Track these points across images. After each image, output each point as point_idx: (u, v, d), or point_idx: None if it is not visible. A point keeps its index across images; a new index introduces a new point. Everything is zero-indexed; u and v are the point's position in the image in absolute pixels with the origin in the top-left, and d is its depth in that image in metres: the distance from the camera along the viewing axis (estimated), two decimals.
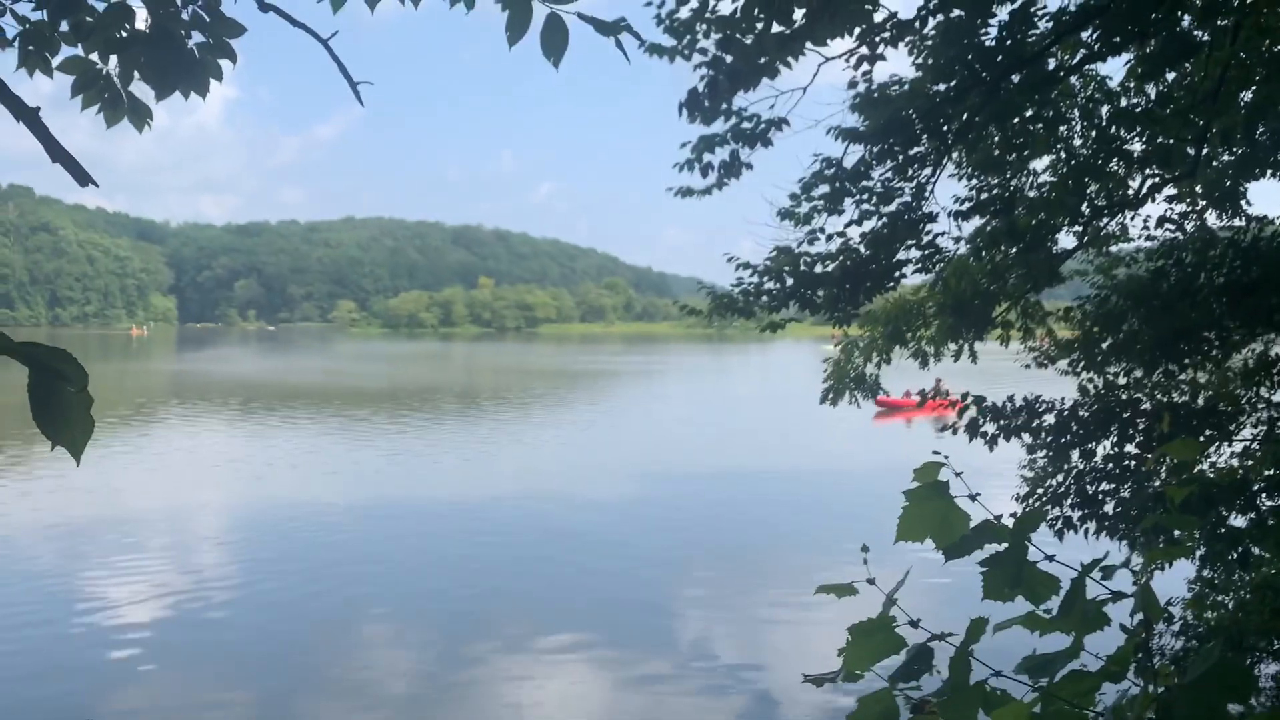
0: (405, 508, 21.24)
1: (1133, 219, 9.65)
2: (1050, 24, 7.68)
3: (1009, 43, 7.49)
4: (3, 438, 29.42)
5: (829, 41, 6.36)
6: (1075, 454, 8.57)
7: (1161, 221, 9.55)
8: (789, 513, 21.20)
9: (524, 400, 51.02)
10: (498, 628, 13.07)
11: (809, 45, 6.16)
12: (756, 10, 5.82)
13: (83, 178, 2.23)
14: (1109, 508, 8.23)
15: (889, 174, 8.37)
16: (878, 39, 7.60)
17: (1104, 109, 8.92)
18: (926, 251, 8.71)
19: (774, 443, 33.56)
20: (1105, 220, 9.50)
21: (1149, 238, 9.77)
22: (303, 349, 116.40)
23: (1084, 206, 9.01)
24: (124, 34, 3.22)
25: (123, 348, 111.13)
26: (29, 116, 2.12)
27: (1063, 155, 9.08)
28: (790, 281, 8.42)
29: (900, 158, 8.26)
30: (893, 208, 8.44)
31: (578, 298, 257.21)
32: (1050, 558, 2.01)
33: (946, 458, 2.04)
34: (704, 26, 7.26)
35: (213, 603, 14.10)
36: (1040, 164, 9.23)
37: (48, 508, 20.44)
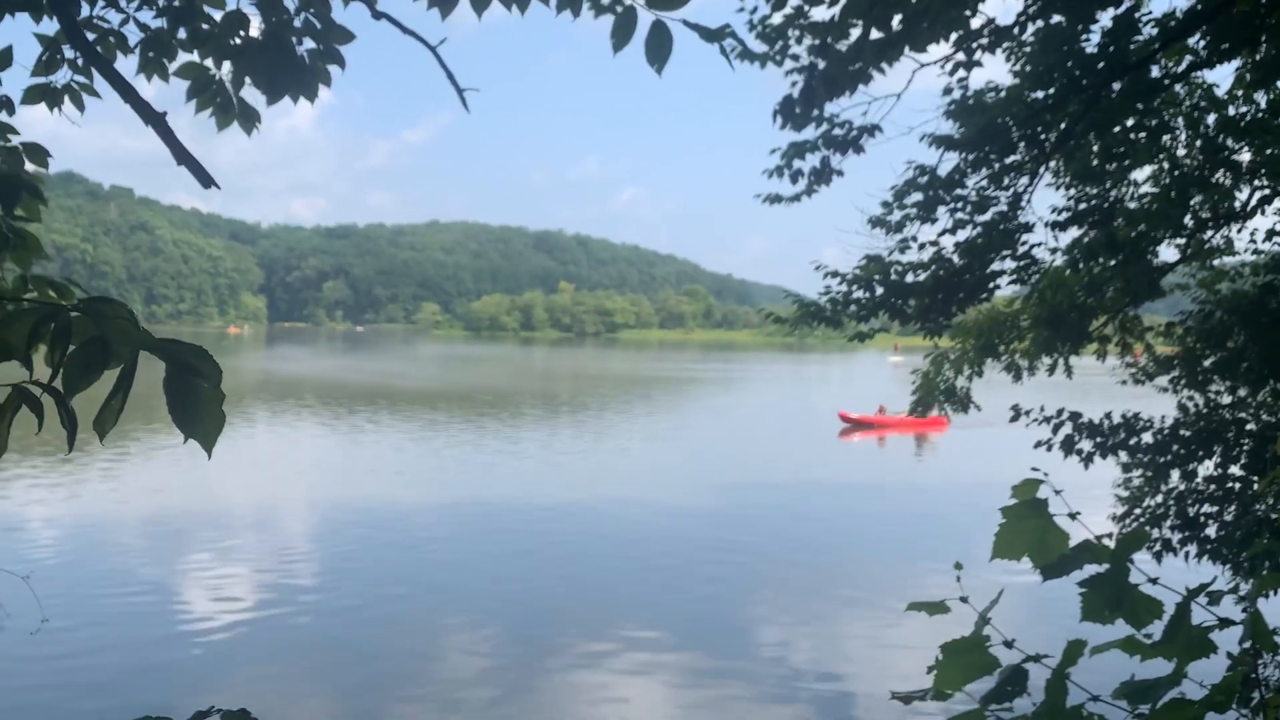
0: (484, 510, 21.51)
1: (1239, 232, 9.31)
2: (1155, 30, 7.46)
3: (1111, 49, 7.29)
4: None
5: (926, 48, 6.28)
6: (1175, 474, 8.29)
7: (1270, 234, 9.19)
8: (872, 525, 20.91)
9: (603, 406, 51.28)
10: (573, 632, 13.15)
11: (906, 51, 6.09)
12: (853, 16, 5.77)
13: (206, 180, 2.32)
14: (1211, 531, 7.94)
15: (984, 182, 8.21)
16: (975, 45, 7.47)
17: (1210, 118, 8.61)
18: (1022, 262, 8.53)
19: (856, 454, 33.15)
20: (1210, 233, 9.18)
21: (1256, 251, 9.41)
22: (394, 351, 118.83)
23: (1187, 218, 8.72)
24: (238, 40, 3.34)
25: (215, 345, 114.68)
26: (157, 121, 2.21)
27: (1165, 165, 8.79)
28: (880, 291, 8.30)
29: (996, 166, 8.11)
30: (988, 217, 8.29)
31: (657, 304, 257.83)
32: (1154, 580, 1.96)
33: (1046, 475, 2.00)
34: (797, 32, 7.22)
35: (294, 599, 14.44)
36: (1142, 174, 8.96)
37: (136, 502, 21.25)
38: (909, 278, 8.34)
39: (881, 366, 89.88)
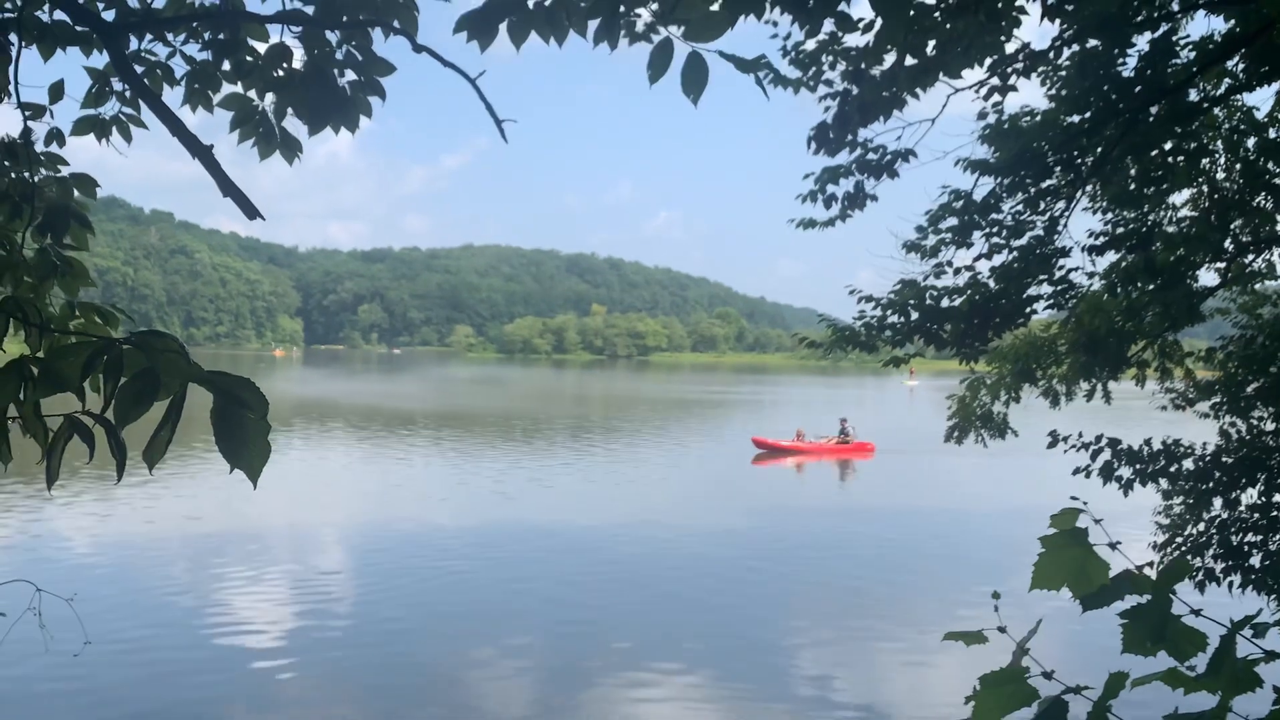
0: (519, 533, 21.52)
1: None
2: (1193, 53, 7.40)
3: (1149, 73, 7.24)
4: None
5: (961, 73, 6.27)
6: (1218, 502, 8.14)
7: None
8: (908, 554, 20.67)
9: (636, 430, 51.24)
10: (607, 658, 13.09)
11: (940, 76, 6.09)
12: (888, 43, 5.78)
13: (252, 212, 2.37)
14: (1255, 560, 7.78)
15: (1020, 207, 8.16)
16: (1010, 70, 7.45)
17: (1250, 141, 8.51)
18: (1059, 287, 8.45)
19: (893, 478, 32.83)
20: (1250, 257, 9.06)
21: None
22: (431, 373, 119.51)
23: (1227, 242, 8.62)
24: (281, 72, 3.41)
25: (253, 368, 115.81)
26: (204, 154, 2.26)
27: (1204, 189, 8.70)
28: (915, 315, 8.25)
29: (1032, 190, 8.06)
30: (1024, 241, 8.23)
31: (689, 327, 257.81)
32: (1196, 612, 1.93)
33: (1085, 504, 1.98)
34: (830, 58, 7.25)
35: (331, 625, 14.49)
36: (1180, 198, 8.87)
37: (179, 526, 21.47)
38: (944, 302, 8.28)
39: (916, 387, 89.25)
